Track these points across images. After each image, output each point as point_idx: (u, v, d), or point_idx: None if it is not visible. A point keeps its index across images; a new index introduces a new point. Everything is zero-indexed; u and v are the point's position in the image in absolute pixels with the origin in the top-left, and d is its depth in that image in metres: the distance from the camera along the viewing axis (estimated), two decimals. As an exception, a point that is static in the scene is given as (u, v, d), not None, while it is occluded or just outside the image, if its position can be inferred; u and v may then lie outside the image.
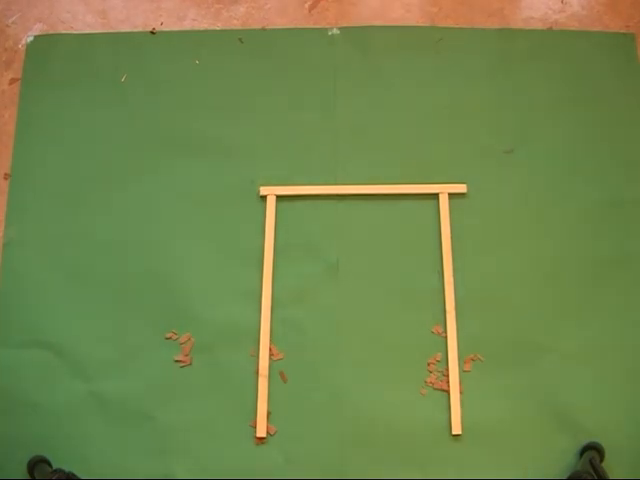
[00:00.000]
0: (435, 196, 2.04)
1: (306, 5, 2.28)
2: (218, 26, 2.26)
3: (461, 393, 1.86)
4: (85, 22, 2.28)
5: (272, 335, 1.91)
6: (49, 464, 1.80)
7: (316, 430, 1.84)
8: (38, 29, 2.27)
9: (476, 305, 1.94)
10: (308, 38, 2.22)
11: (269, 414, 1.85)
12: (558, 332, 1.91)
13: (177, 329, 1.93)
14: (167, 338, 1.92)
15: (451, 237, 1.99)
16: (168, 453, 1.83)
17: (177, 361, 1.90)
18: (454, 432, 1.82)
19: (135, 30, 2.25)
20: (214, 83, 2.18)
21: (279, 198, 2.04)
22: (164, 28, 2.26)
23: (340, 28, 2.23)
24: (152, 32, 2.24)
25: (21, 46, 2.24)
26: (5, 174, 2.09)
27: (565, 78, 2.17)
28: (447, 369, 1.88)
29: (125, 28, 2.26)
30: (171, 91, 2.17)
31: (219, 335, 1.92)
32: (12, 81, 2.20)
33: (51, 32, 2.26)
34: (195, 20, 2.27)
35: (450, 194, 2.03)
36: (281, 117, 2.14)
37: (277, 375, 1.89)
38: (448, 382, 1.86)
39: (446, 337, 1.91)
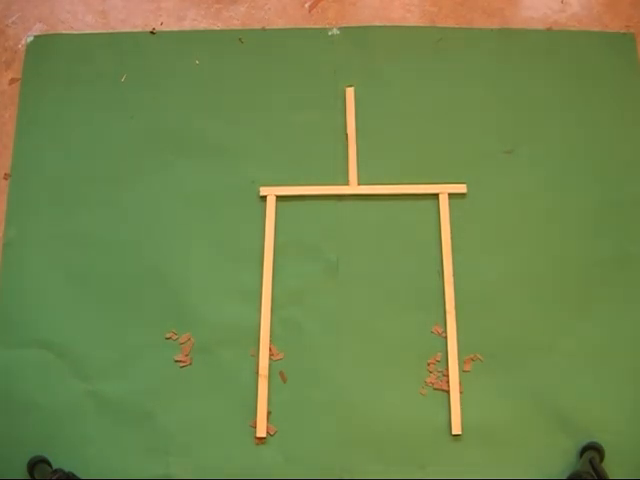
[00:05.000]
0: (435, 196, 2.04)
1: (306, 5, 2.28)
2: (218, 26, 2.26)
3: (461, 393, 1.86)
4: (85, 22, 2.28)
5: (272, 335, 1.91)
6: (49, 464, 1.80)
7: (316, 430, 1.84)
8: (38, 29, 2.27)
9: (476, 305, 1.94)
10: (308, 38, 2.22)
11: (269, 414, 1.85)
12: (558, 332, 1.91)
13: (177, 329, 1.93)
14: (167, 338, 1.92)
15: (451, 237, 1.99)
16: (168, 453, 1.83)
17: (177, 361, 1.90)
18: (454, 432, 1.82)
19: (135, 30, 2.25)
20: (214, 83, 2.18)
21: (279, 198, 2.04)
22: (164, 28, 2.26)
23: (340, 28, 2.23)
24: (152, 32, 2.24)
25: (21, 46, 2.24)
26: (5, 174, 2.09)
27: (565, 78, 2.17)
28: (447, 369, 1.88)
29: (125, 28, 2.26)
30: (171, 91, 2.17)
31: (219, 335, 1.92)
32: (12, 81, 2.20)
33: (51, 32, 2.26)
34: (195, 20, 2.27)
35: (450, 194, 2.03)
36: (281, 117, 2.14)
37: (277, 375, 1.89)
38: (448, 382, 1.86)
39: (446, 337, 1.91)
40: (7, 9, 2.30)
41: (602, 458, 1.77)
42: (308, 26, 2.25)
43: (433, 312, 1.94)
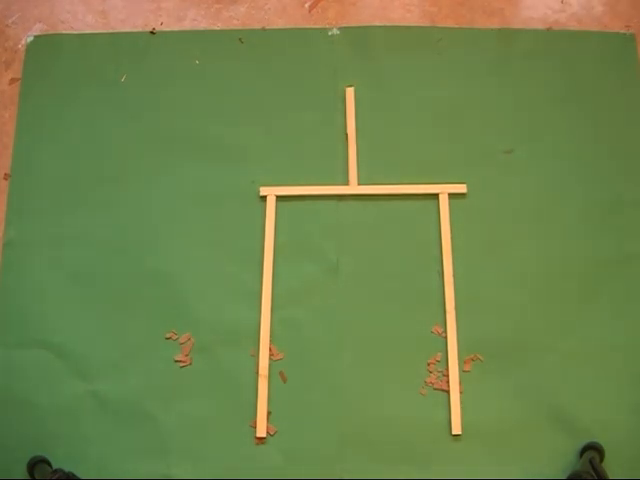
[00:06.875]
0: (435, 196, 2.04)
1: (306, 5, 2.28)
2: (218, 26, 2.26)
3: (461, 393, 1.86)
4: (85, 22, 2.28)
5: (272, 335, 1.91)
6: (49, 464, 1.80)
7: (316, 430, 1.84)
8: (38, 29, 2.27)
9: (476, 305, 1.94)
10: (308, 38, 2.22)
11: (269, 414, 1.85)
12: (558, 332, 1.91)
13: (177, 329, 1.93)
14: (167, 338, 1.92)
15: (451, 237, 1.99)
16: (168, 453, 1.83)
17: (177, 361, 1.91)
18: (454, 432, 1.82)
19: (135, 30, 2.25)
20: (214, 83, 2.18)
21: (279, 198, 2.04)
22: (164, 28, 2.26)
23: (340, 28, 2.23)
24: (152, 32, 2.24)
25: (21, 46, 2.24)
26: (5, 174, 2.10)
27: (565, 78, 2.17)
28: (447, 369, 1.88)
29: (125, 28, 2.26)
30: (171, 91, 2.17)
31: (219, 335, 1.93)
32: (12, 81, 2.20)
33: (51, 32, 2.26)
34: (195, 20, 2.27)
35: (450, 194, 2.03)
36: (281, 117, 2.14)
37: (277, 375, 1.89)
38: (448, 382, 1.86)
39: (446, 337, 1.91)
40: (7, 9, 2.30)
41: (602, 458, 1.77)
42: (308, 26, 2.25)
43: (433, 312, 1.94)
